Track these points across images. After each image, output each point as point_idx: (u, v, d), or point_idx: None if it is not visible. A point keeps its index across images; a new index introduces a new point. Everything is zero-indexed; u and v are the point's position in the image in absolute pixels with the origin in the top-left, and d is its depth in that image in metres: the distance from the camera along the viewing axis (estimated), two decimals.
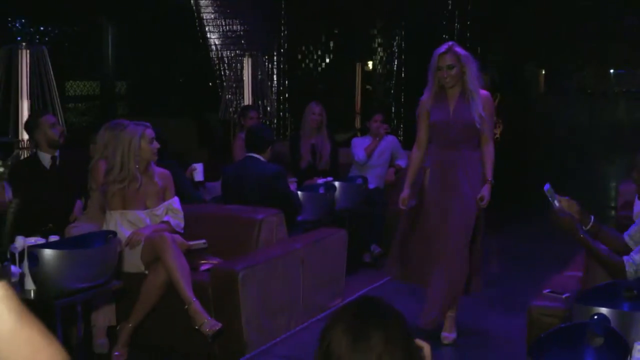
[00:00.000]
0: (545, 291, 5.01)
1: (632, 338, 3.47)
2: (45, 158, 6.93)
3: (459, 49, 6.05)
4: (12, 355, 1.41)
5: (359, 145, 9.50)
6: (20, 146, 7.80)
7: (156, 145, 6.15)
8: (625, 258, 4.36)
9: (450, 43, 6.14)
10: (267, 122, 11.99)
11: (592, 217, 4.68)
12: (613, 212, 10.24)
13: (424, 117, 6.21)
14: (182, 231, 6.25)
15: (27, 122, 7.33)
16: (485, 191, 6.06)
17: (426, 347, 2.47)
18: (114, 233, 5.50)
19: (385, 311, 2.18)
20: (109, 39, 12.27)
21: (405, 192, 6.30)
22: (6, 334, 1.42)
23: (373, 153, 9.43)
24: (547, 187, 4.56)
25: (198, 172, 8.23)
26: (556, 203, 4.53)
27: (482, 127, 6.03)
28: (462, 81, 6.02)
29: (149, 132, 6.11)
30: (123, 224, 6.06)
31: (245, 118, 9.40)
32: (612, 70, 16.79)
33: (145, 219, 6.11)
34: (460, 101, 6.05)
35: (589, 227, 4.63)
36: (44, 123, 6.97)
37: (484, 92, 6.09)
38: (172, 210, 6.23)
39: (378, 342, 2.07)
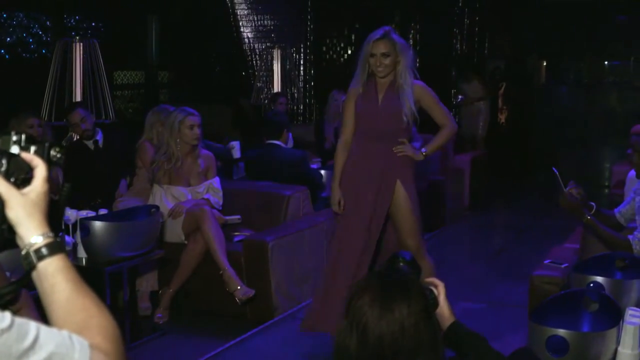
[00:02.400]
0: (546, 261, 4.98)
1: (624, 303, 3.45)
2: (89, 142, 6.92)
3: (395, 36, 4.99)
4: (68, 322, 1.41)
5: None
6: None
7: (197, 132, 6.09)
8: (630, 237, 4.34)
9: (386, 28, 5.03)
10: (295, 108, 11.97)
11: (594, 204, 4.66)
12: (607, 191, 10.17)
13: (350, 108, 5.11)
14: (221, 208, 6.25)
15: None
16: (408, 149, 5.10)
17: (440, 286, 2.45)
18: (157, 207, 5.53)
19: (407, 283, 2.16)
20: (153, 33, 12.26)
21: (337, 194, 5.09)
22: (63, 302, 1.42)
23: None
24: (555, 171, 4.50)
25: (236, 149, 8.20)
26: (566, 187, 4.47)
27: (413, 119, 5.11)
28: (394, 71, 4.97)
29: (190, 119, 6.06)
30: (167, 197, 6.08)
31: (275, 103, 9.39)
32: (606, 62, 16.61)
33: (187, 195, 6.12)
34: (390, 91, 5.00)
35: (592, 212, 4.61)
36: (70, 120, 6.95)
37: (418, 82, 5.05)
38: (212, 189, 6.23)
39: (401, 313, 2.06)
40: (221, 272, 5.70)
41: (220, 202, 6.26)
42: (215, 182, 6.26)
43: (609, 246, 4.39)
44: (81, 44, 8.21)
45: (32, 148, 1.48)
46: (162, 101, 11.97)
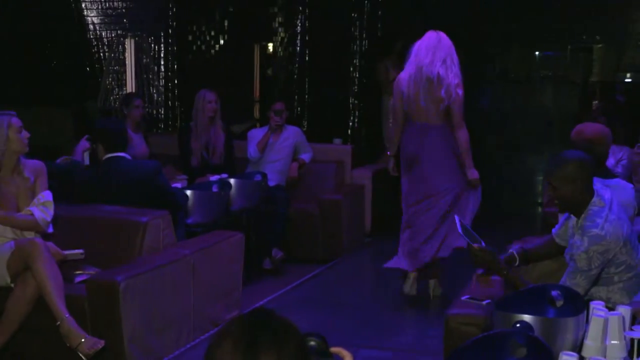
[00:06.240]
0: (464, 297, 5.05)
1: (558, 347, 3.51)
2: None
3: None
4: None
5: (254, 139, 9.46)
6: None
7: (26, 134, 6.02)
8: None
9: None
10: (153, 112, 11.86)
11: (514, 251, 4.89)
12: (539, 209, 10.42)
13: None
14: (50, 229, 6.13)
15: None
16: None
17: (348, 356, 2.47)
18: None
19: (278, 326, 2.14)
20: None
21: None
22: None
23: (273, 146, 9.39)
24: (459, 228, 4.66)
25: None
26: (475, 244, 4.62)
27: None
28: None
29: (15, 121, 5.98)
30: None
31: (128, 107, 9.24)
32: (537, 53, 17.04)
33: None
34: None
35: (517, 263, 4.85)
36: None
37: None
38: (43, 204, 6.08)
39: None
40: (58, 322, 5.58)
41: (48, 219, 6.09)
42: (46, 195, 6.11)
43: None
44: None
45: None
46: None
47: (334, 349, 2.50)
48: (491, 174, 13.38)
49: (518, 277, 4.64)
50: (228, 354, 2.07)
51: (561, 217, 5.04)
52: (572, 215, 4.79)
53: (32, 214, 5.99)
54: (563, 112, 14.92)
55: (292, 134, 9.55)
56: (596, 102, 13.18)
